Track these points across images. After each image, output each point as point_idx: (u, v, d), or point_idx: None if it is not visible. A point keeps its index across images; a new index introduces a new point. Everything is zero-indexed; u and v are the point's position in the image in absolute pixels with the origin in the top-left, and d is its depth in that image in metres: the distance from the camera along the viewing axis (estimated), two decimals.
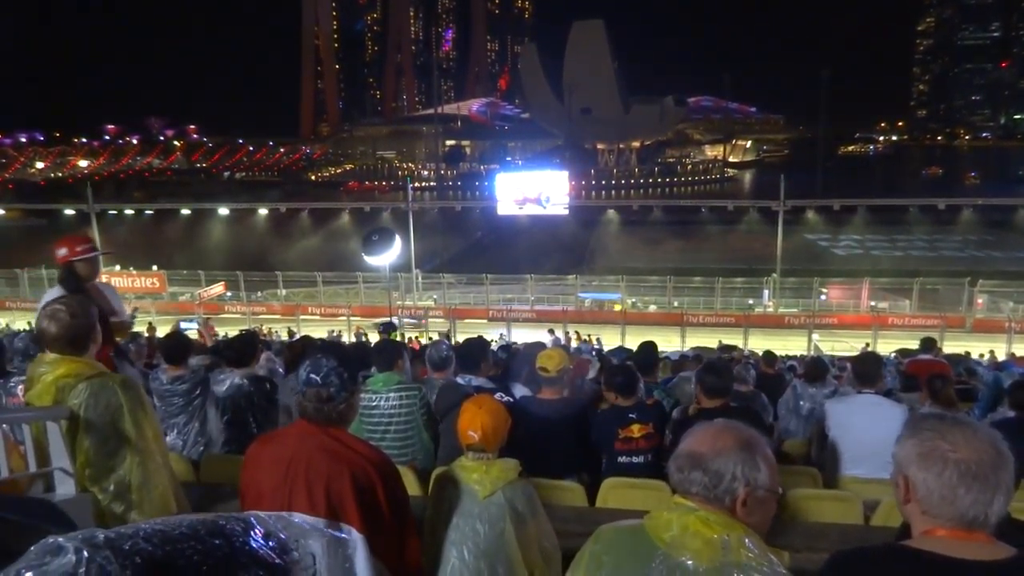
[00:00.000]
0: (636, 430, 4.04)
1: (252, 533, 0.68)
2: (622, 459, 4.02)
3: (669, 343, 20.72)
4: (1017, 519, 2.16)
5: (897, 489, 1.47)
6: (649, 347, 6.10)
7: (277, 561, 0.68)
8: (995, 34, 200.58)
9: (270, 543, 0.68)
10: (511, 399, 2.23)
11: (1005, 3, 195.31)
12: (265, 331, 22.90)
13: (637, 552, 1.52)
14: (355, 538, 2.05)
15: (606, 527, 1.70)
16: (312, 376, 2.19)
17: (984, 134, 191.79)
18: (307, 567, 0.70)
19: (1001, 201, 46.75)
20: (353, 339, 19.44)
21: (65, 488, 2.29)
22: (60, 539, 0.63)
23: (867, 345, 19.42)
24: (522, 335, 21.76)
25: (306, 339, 9.87)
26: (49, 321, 2.37)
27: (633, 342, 14.21)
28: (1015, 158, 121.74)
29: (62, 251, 4.04)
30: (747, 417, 4.02)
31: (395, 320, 16.89)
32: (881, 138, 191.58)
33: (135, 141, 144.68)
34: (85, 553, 0.61)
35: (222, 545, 0.66)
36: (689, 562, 1.45)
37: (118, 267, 33.59)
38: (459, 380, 4.71)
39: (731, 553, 1.43)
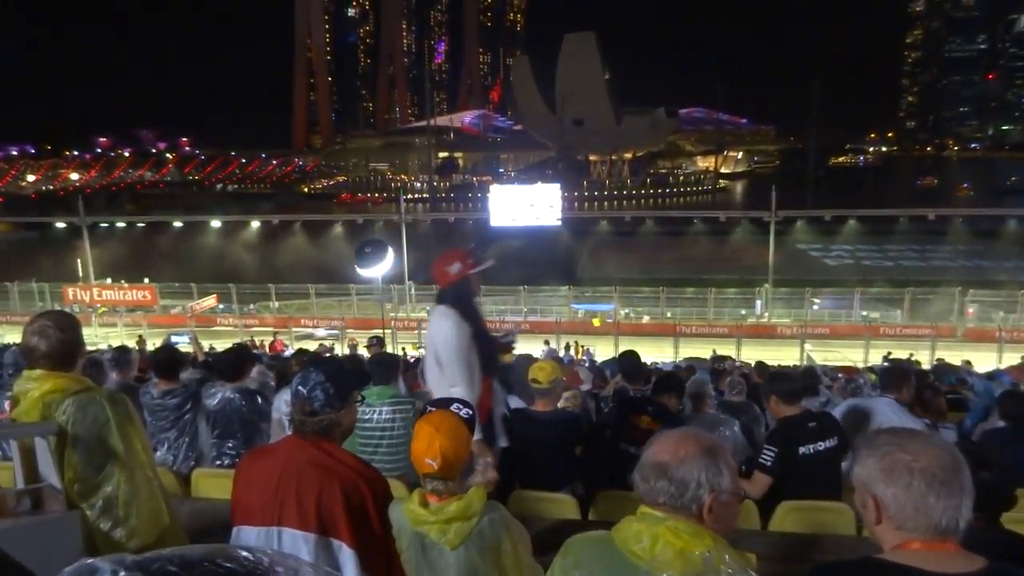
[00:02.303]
0: (645, 421, 4.11)
1: (260, 564, 0.71)
2: (622, 446, 4.08)
3: (662, 353, 20.75)
4: (1008, 529, 2.17)
5: (866, 511, 1.45)
6: (633, 356, 6.14)
7: None
8: (982, 46, 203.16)
9: (278, 569, 0.72)
10: (470, 412, 2.01)
11: (991, 16, 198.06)
12: (259, 343, 22.83)
13: (613, 569, 1.50)
14: (346, 552, 2.04)
15: (574, 539, 1.69)
16: (300, 389, 2.19)
17: (973, 145, 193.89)
18: None
19: (991, 211, 47.18)
20: (347, 351, 19.37)
21: (54, 505, 2.27)
22: (94, 561, 0.66)
23: (889, 353, 19.42)
24: (516, 347, 21.70)
25: (301, 352, 9.84)
26: (39, 338, 2.34)
27: None
28: (1003, 169, 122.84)
29: (455, 266, 3.58)
30: (831, 423, 4.08)
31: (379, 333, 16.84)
32: (871, 149, 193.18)
33: (127, 154, 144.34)
34: (122, 573, 0.64)
35: (237, 570, 0.69)
36: (626, 556, 1.47)
37: (109, 280, 33.41)
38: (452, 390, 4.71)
39: (711, 570, 1.43)
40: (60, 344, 2.34)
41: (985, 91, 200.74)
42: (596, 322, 28.55)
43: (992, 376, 12.47)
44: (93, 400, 2.33)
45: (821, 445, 3.93)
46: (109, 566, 0.65)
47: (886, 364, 9.69)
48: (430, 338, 3.62)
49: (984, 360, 19.21)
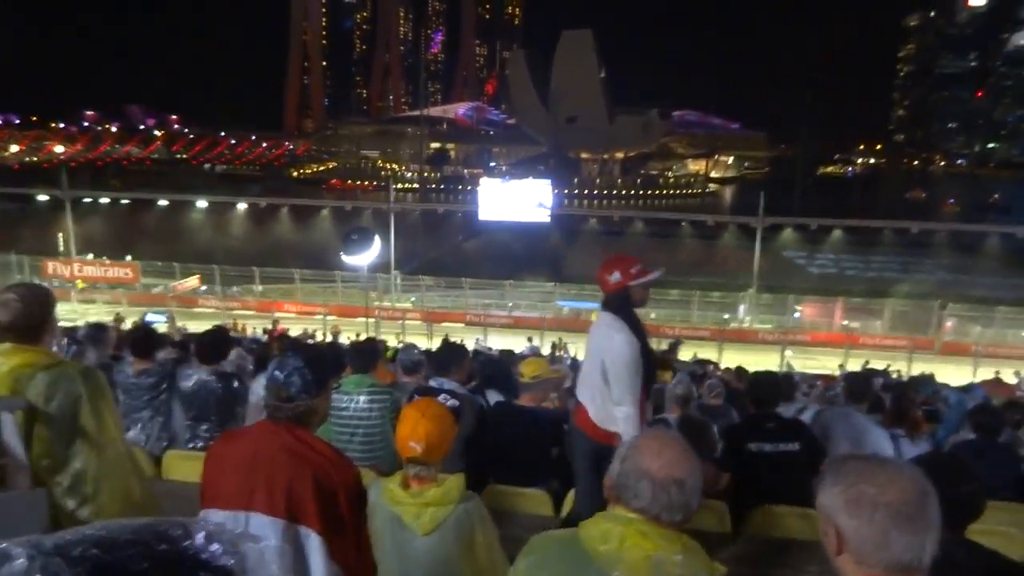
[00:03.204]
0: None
1: (196, 537, 0.67)
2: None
3: None
4: (973, 541, 2.20)
5: (827, 539, 1.41)
6: None
7: (222, 563, 0.67)
8: (972, 64, 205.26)
9: (212, 547, 0.67)
10: (456, 403, 2.00)
11: (983, 34, 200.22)
12: (240, 327, 22.64)
13: (569, 566, 1.49)
14: (314, 540, 2.03)
15: (538, 537, 1.68)
16: (276, 374, 2.16)
17: (959, 161, 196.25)
18: (251, 570, 0.72)
19: (973, 227, 47.89)
20: (330, 338, 19.27)
21: (20, 481, 2.23)
22: (9, 544, 0.62)
23: (867, 363, 19.64)
24: (499, 341, 21.73)
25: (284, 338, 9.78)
26: (1, 309, 2.30)
27: None
28: (987, 185, 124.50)
29: (615, 275, 3.37)
30: (795, 427, 4.10)
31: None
32: (859, 160, 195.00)
33: (114, 129, 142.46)
34: (38, 559, 0.60)
35: (168, 550, 0.65)
36: (593, 557, 1.46)
37: (91, 256, 32.99)
38: (432, 383, 4.70)
39: (662, 572, 1.42)
40: (22, 316, 2.29)
41: (974, 108, 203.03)
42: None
43: (967, 389, 12.67)
44: (65, 375, 2.29)
45: (779, 446, 3.91)
46: (25, 551, 0.61)
47: (847, 373, 9.79)
48: (595, 348, 3.38)
49: (960, 374, 19.51)
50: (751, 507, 3.79)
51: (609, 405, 3.25)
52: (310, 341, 14.86)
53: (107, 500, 2.26)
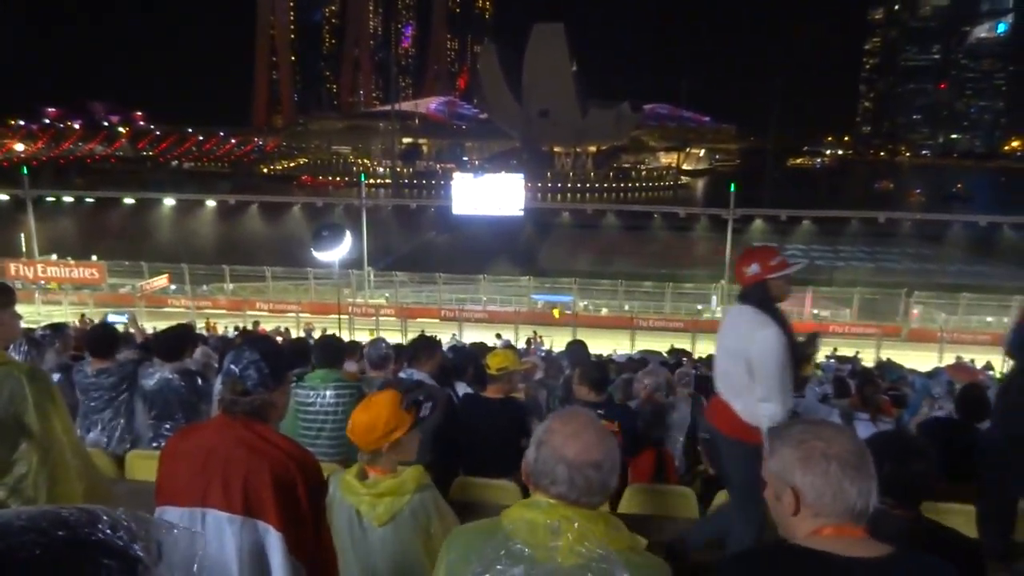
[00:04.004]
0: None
1: (98, 524, 0.65)
2: None
3: (620, 346, 20.95)
4: (931, 519, 2.23)
5: (779, 503, 1.46)
6: (581, 346, 6.19)
7: (127, 551, 0.65)
8: (935, 56, 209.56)
9: (118, 534, 0.65)
10: (420, 396, 1.97)
11: (946, 27, 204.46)
12: (211, 325, 22.30)
13: (503, 559, 1.47)
14: (273, 536, 1.99)
15: (458, 530, 1.69)
16: (231, 367, 2.11)
17: (924, 152, 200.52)
18: (159, 560, 0.70)
19: (937, 216, 48.98)
20: (301, 335, 19.07)
21: None
22: None
23: (835, 350, 19.94)
24: (474, 336, 21.68)
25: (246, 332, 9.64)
26: None
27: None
28: (950, 176, 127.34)
29: (753, 267, 3.22)
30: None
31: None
32: (827, 152, 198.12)
33: (77, 126, 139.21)
34: None
35: (66, 536, 0.63)
36: (519, 546, 1.47)
37: (54, 256, 32.21)
38: (401, 375, 4.66)
39: (560, 538, 1.44)
40: None
41: (937, 100, 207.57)
42: (556, 313, 28.68)
43: (932, 374, 12.99)
44: (10, 375, 2.23)
45: None
46: None
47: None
48: (735, 343, 3.20)
49: (926, 360, 19.95)
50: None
51: (753, 401, 3.10)
52: (279, 338, 14.68)
53: (48, 502, 2.20)
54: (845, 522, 1.40)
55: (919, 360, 19.23)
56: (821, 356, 15.46)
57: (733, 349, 3.21)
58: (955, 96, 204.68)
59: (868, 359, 18.99)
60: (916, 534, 2.04)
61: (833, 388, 7.78)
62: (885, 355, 20.39)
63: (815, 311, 29.14)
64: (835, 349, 20.48)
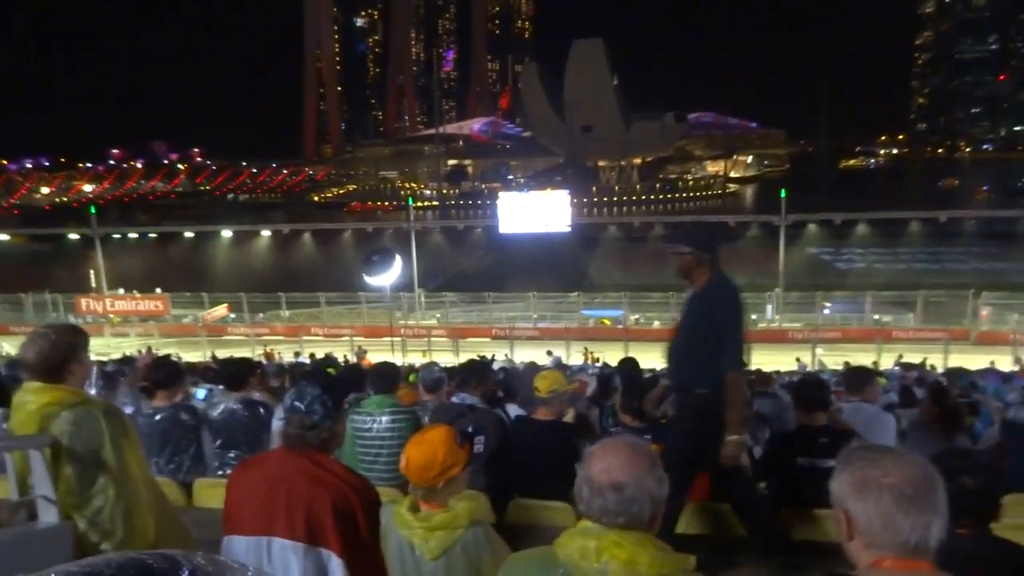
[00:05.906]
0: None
1: (179, 572, 0.68)
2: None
3: None
4: (1001, 538, 2.14)
5: (839, 526, 1.45)
6: (632, 363, 6.12)
7: None
8: (993, 47, 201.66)
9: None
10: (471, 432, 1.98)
11: (1002, 16, 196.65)
12: (269, 352, 22.89)
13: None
14: (335, 562, 2.05)
15: (515, 556, 1.70)
16: (296, 404, 2.19)
17: (985, 146, 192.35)
18: None
19: (1003, 213, 46.83)
20: (353, 359, 19.40)
21: (48, 516, 2.29)
22: None
23: (900, 357, 19.28)
24: (526, 353, 21.68)
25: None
26: (27, 347, 2.38)
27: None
28: (1016, 170, 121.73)
29: None
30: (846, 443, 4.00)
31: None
32: (882, 151, 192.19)
33: (139, 165, 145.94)
34: None
35: None
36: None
37: (121, 290, 33.70)
38: (454, 399, 4.71)
39: (610, 563, 1.45)
40: (46, 357, 2.36)
41: (997, 92, 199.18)
42: (606, 322, 28.49)
43: (1008, 379, 12.32)
44: (89, 414, 2.36)
45: (828, 463, 3.83)
46: None
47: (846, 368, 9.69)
48: None
49: (999, 364, 18.99)
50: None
51: None
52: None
53: (125, 535, 2.31)
54: (903, 555, 1.35)
55: (992, 364, 18.32)
56: (887, 363, 14.89)
57: None
58: (1017, 86, 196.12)
59: (937, 365, 18.20)
60: (979, 554, 1.96)
61: (899, 397, 7.48)
62: (953, 361, 19.50)
63: (876, 316, 28.14)
64: (900, 356, 19.70)
